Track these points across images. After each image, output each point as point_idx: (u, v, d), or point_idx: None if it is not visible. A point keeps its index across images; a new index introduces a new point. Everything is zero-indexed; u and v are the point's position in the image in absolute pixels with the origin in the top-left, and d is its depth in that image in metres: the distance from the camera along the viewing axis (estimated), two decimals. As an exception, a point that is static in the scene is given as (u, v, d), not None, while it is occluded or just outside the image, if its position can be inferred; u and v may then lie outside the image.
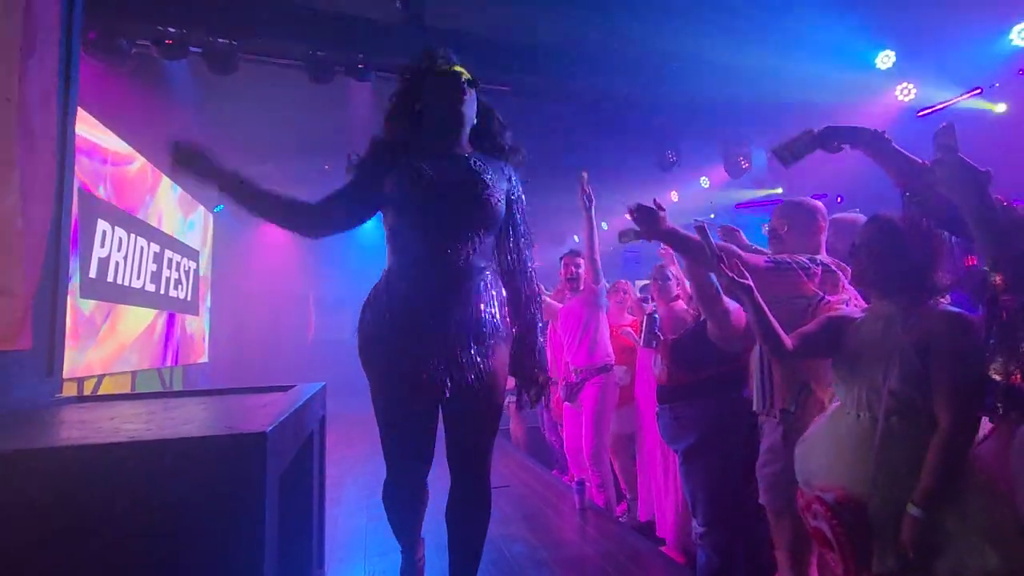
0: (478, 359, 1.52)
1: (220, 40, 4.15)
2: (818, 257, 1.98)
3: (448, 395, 1.49)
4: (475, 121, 1.68)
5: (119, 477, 0.88)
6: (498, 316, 1.60)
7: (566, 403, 3.74)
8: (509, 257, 1.69)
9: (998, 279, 1.42)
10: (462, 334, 1.51)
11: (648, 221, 1.88)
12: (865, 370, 1.51)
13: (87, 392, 4.36)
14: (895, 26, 4.71)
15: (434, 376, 1.48)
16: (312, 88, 4.76)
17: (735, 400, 2.26)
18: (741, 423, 2.19)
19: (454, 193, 1.54)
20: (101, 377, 4.77)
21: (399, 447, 1.62)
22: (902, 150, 1.71)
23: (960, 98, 4.78)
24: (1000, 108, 4.70)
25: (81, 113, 3.02)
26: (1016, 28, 4.24)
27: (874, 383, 1.48)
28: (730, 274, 1.65)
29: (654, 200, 1.91)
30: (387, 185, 1.56)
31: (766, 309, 1.63)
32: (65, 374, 2.14)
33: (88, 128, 4.36)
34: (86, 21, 2.08)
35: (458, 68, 1.65)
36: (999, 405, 1.41)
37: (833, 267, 1.96)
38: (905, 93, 4.98)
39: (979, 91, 4.71)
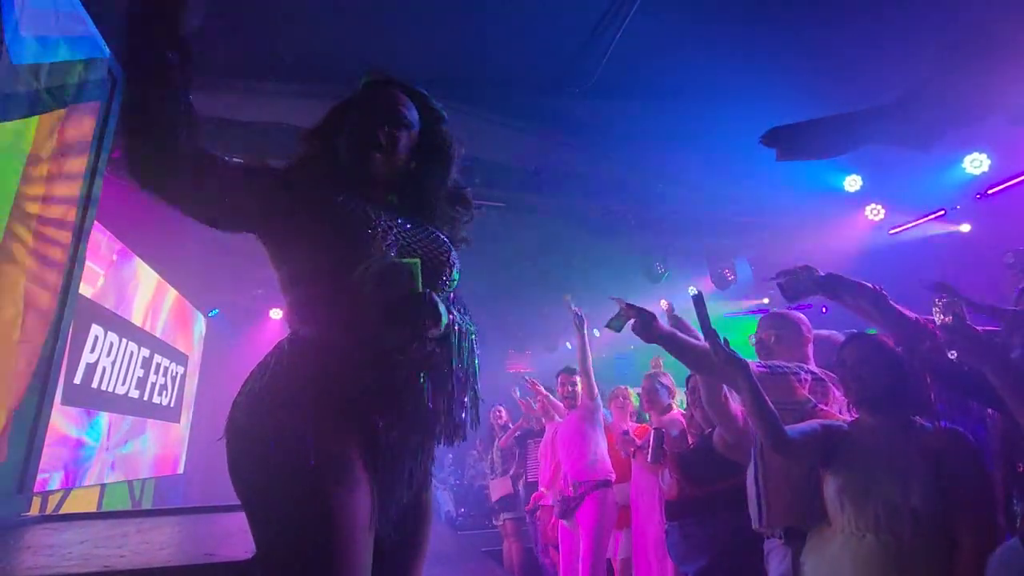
0: None
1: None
2: (805, 366, 2.02)
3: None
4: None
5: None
6: None
7: (562, 522, 3.54)
8: None
9: None
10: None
11: (645, 327, 2.01)
12: (880, 489, 1.49)
13: (51, 507, 4.08)
14: (860, 154, 5.12)
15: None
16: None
17: (748, 518, 2.15)
18: (756, 543, 2.06)
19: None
20: (68, 490, 4.48)
21: None
22: (899, 307, 1.73)
23: (927, 218, 5.10)
24: (965, 228, 5.00)
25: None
26: (967, 158, 4.65)
27: (891, 502, 1.46)
28: (727, 350, 1.68)
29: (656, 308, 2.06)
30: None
31: (762, 392, 1.62)
32: (34, 489, 2.02)
33: (93, 231, 4.49)
34: (113, 140, 2.23)
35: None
36: None
37: (822, 376, 1.98)
38: (875, 213, 5.30)
39: (943, 212, 5.04)
